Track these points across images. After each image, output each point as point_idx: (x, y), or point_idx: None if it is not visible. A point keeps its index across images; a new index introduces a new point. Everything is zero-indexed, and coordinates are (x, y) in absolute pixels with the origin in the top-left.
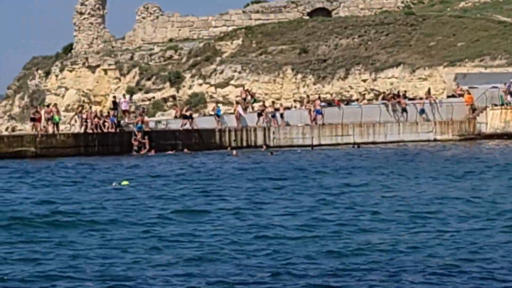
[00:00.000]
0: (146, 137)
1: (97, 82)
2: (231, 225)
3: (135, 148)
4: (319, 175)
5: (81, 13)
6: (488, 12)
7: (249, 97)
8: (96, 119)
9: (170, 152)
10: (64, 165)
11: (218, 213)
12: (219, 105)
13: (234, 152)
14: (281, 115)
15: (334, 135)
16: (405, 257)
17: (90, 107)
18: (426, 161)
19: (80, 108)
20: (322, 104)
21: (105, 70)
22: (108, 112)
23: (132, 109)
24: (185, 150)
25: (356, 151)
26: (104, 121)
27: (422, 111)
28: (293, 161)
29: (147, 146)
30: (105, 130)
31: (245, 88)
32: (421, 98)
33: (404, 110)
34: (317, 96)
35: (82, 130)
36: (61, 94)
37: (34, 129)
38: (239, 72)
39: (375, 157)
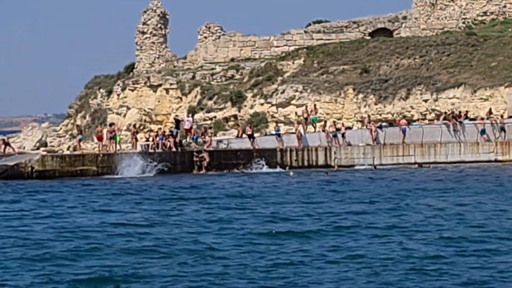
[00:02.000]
0: (206, 156)
1: (159, 101)
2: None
3: (197, 166)
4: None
5: (143, 33)
6: None
7: (311, 115)
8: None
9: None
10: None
11: None
12: (280, 124)
13: (291, 172)
14: (343, 135)
15: (395, 155)
16: None
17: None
18: None
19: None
20: (384, 124)
21: (167, 90)
22: (171, 132)
23: (194, 127)
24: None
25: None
26: (168, 140)
27: (483, 132)
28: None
29: (206, 164)
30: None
31: (307, 107)
32: (482, 119)
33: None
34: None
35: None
36: (123, 113)
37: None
38: (301, 92)
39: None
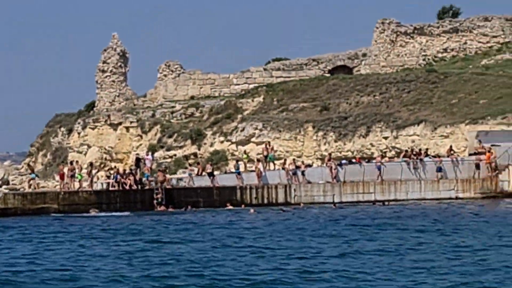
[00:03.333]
0: (163, 194)
1: (119, 139)
2: None
3: (156, 203)
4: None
5: (103, 71)
6: (510, 69)
7: (270, 153)
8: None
9: (192, 208)
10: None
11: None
12: (240, 162)
13: (252, 210)
14: (302, 172)
15: (355, 192)
16: None
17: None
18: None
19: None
20: (344, 161)
21: (127, 128)
22: (131, 170)
23: (154, 166)
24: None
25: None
26: (128, 178)
27: (440, 169)
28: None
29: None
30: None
31: (267, 145)
32: (442, 156)
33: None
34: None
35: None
36: (84, 152)
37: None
38: (260, 130)
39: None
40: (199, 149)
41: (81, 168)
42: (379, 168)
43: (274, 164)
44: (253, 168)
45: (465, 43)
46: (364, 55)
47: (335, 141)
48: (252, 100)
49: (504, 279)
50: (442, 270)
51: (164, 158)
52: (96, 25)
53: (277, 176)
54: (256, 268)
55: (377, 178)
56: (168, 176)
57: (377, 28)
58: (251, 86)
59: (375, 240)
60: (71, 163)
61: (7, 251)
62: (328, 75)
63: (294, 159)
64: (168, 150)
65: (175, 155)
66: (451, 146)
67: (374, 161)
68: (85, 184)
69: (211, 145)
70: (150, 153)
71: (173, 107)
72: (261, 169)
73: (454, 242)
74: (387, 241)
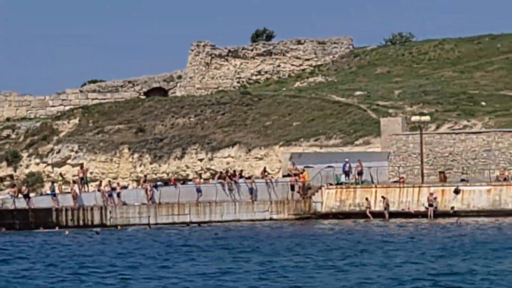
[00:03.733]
0: None
1: None
2: None
3: None
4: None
5: None
6: (323, 92)
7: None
8: None
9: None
10: None
11: None
12: (55, 184)
13: (67, 232)
14: (118, 194)
15: (170, 214)
16: None
17: None
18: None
19: None
20: (159, 183)
21: None
22: None
23: None
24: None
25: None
26: None
27: (251, 191)
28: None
29: None
30: None
31: (82, 166)
32: (257, 177)
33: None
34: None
35: None
36: None
37: None
38: (76, 152)
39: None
40: (15, 171)
41: None
42: (198, 190)
43: (88, 186)
44: (69, 190)
45: (279, 65)
46: (179, 77)
47: (151, 163)
48: (68, 122)
49: None
50: None
51: None
52: None
53: (92, 198)
54: None
55: (197, 199)
56: None
57: (192, 50)
58: (67, 108)
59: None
60: None
61: None
62: (143, 97)
63: (109, 181)
64: None
65: None
66: (265, 168)
67: (192, 182)
68: None
69: (27, 166)
70: None
71: None
72: (77, 191)
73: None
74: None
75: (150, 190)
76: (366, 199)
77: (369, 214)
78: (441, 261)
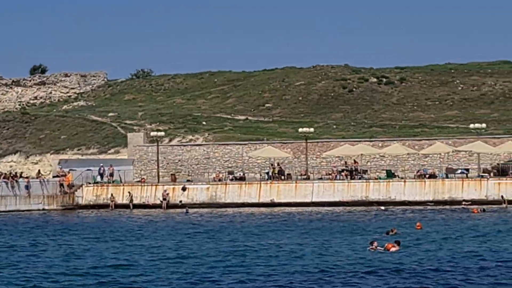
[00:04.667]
0: None
1: None
2: None
3: None
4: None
5: None
6: (84, 113)
7: None
8: None
9: None
10: None
11: None
12: None
13: None
14: None
15: None
16: None
17: None
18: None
19: None
20: None
21: None
22: None
23: None
24: None
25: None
26: None
27: (27, 187)
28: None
29: None
30: None
31: None
32: (33, 178)
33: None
34: None
35: None
36: None
37: None
38: None
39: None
40: None
41: None
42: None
43: None
44: None
45: (51, 92)
46: None
47: None
48: None
49: None
50: None
51: None
52: None
53: None
54: None
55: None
56: None
57: None
58: None
59: None
60: None
61: None
62: None
63: None
64: None
65: None
66: (39, 170)
67: None
68: None
69: None
70: None
71: None
72: None
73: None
74: None
75: None
76: (112, 195)
77: (112, 206)
78: (169, 239)
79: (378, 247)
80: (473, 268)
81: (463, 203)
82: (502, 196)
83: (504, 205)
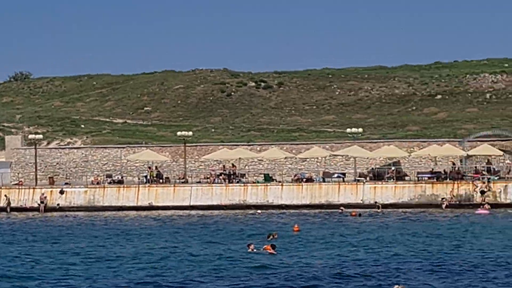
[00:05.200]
0: None
1: None
2: None
3: None
4: None
5: None
6: None
7: None
8: None
9: None
10: None
11: None
12: None
13: None
14: None
15: None
16: None
17: None
18: None
19: None
20: None
21: None
22: None
23: None
24: None
25: None
26: None
27: None
28: None
29: None
30: None
31: None
32: None
33: None
34: None
35: None
36: None
37: None
38: None
39: None
40: None
41: None
42: None
43: None
44: None
45: None
46: None
47: None
48: None
49: None
50: None
51: None
52: None
53: None
54: None
55: None
56: None
57: None
58: None
59: None
60: None
61: None
62: None
63: None
64: None
65: None
66: None
67: None
68: None
69: None
70: None
71: None
72: None
73: None
74: None
75: None
76: None
77: None
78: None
79: (255, 250)
80: (340, 273)
81: (341, 208)
82: (375, 202)
83: (378, 210)
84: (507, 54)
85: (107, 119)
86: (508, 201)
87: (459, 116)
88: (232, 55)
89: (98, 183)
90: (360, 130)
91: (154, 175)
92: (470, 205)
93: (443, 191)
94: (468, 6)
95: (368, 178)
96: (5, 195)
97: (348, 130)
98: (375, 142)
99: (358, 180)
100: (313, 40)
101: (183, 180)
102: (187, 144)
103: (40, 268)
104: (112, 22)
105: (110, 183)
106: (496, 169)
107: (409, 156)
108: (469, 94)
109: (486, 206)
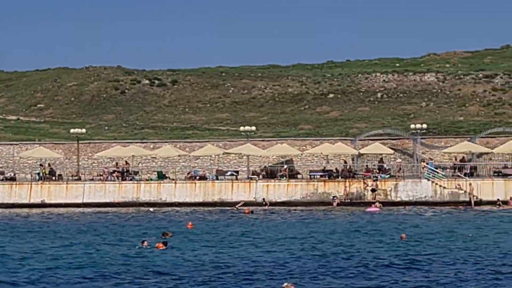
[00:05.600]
0: None
1: None
2: None
3: None
4: None
5: None
6: None
7: None
8: None
9: None
10: None
11: None
12: None
13: None
14: None
15: None
16: None
17: None
18: None
19: None
20: None
21: None
22: None
23: None
24: None
25: None
26: None
27: None
28: None
29: None
30: None
31: None
32: None
33: None
34: None
35: None
36: None
37: None
38: None
39: None
40: None
41: None
42: None
43: None
44: None
45: None
46: None
47: None
48: None
49: None
50: None
51: None
52: None
53: None
54: None
55: None
56: None
57: None
58: None
59: None
60: None
61: None
62: None
63: None
64: None
65: None
66: None
67: None
68: None
69: None
70: None
71: None
72: None
73: None
74: None
75: None
76: None
77: None
78: None
79: (148, 246)
80: (226, 269)
81: (236, 206)
82: (263, 199)
83: (266, 207)
84: (398, 54)
85: (0, 116)
86: (398, 199)
87: (351, 115)
88: (125, 52)
89: None
90: (253, 128)
91: (47, 172)
92: (361, 203)
93: (335, 189)
94: (359, 6)
95: (261, 176)
96: None
97: (242, 128)
98: (268, 141)
99: (251, 178)
100: (207, 39)
101: (76, 178)
102: (80, 142)
103: None
104: (5, 19)
105: (2, 180)
106: (387, 168)
107: (301, 154)
108: (361, 93)
109: (377, 204)
